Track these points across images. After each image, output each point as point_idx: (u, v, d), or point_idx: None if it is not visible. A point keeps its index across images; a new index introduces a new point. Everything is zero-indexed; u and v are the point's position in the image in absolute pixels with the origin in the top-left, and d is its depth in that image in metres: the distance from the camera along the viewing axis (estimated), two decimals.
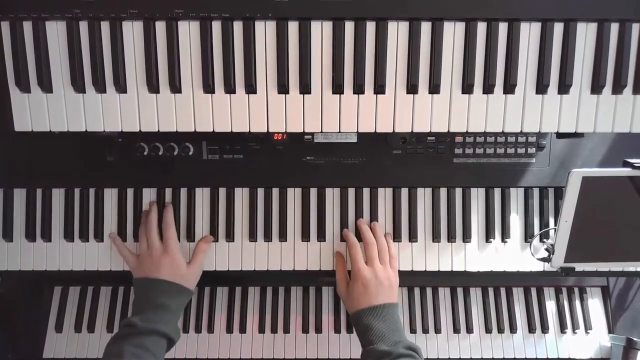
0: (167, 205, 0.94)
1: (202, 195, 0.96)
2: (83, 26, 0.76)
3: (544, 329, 1.02)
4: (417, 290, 1.04)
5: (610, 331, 1.03)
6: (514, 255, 0.96)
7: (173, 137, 0.94)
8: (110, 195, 0.96)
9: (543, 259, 0.92)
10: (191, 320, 1.01)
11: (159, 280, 0.86)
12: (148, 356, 0.78)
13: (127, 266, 0.93)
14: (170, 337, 0.82)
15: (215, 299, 1.03)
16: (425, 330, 1.02)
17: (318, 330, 1.02)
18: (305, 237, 0.95)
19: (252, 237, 0.95)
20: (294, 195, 0.96)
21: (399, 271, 0.93)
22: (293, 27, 0.76)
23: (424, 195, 0.96)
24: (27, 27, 0.76)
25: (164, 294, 0.85)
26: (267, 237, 0.95)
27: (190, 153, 0.95)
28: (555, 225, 0.89)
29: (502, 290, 1.05)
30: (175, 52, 0.76)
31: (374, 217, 0.96)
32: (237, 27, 0.76)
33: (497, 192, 0.97)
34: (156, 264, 0.87)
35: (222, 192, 0.96)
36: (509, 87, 0.77)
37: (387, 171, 0.96)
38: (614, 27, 0.76)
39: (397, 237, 0.95)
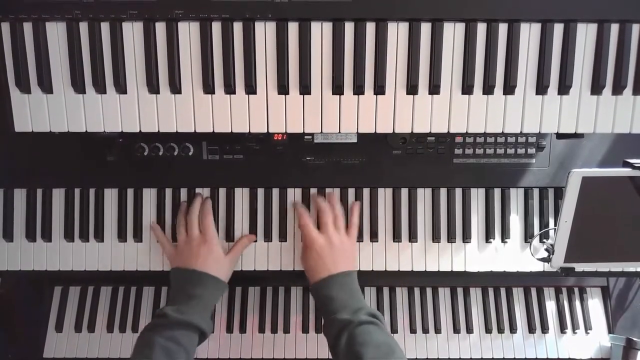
0: (207, 198, 0.95)
1: (202, 195, 0.96)
2: (83, 27, 0.76)
3: (544, 329, 1.02)
4: (417, 290, 1.04)
5: (610, 331, 1.03)
6: (514, 255, 0.96)
7: (173, 138, 0.94)
8: (111, 196, 0.96)
9: (543, 259, 0.92)
10: None
11: (194, 271, 0.85)
12: (179, 350, 0.77)
13: (165, 256, 0.93)
14: (203, 330, 0.81)
15: None
16: (425, 331, 1.02)
17: (318, 330, 1.02)
18: None
19: None
20: (294, 195, 0.96)
21: (401, 271, 0.93)
22: (293, 27, 0.76)
23: (424, 196, 0.96)
24: (27, 27, 0.76)
25: (199, 285, 0.84)
26: (267, 237, 0.95)
27: (190, 153, 0.95)
28: (555, 225, 0.89)
29: (502, 291, 1.05)
30: (175, 52, 0.76)
31: (374, 217, 0.96)
32: (237, 27, 0.76)
33: (497, 192, 0.97)
34: (194, 254, 0.87)
35: (222, 192, 0.96)
36: (509, 88, 0.77)
37: (387, 171, 0.96)
38: (614, 28, 0.76)
39: (397, 237, 0.95)
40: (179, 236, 0.91)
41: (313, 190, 0.96)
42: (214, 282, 0.86)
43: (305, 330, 1.01)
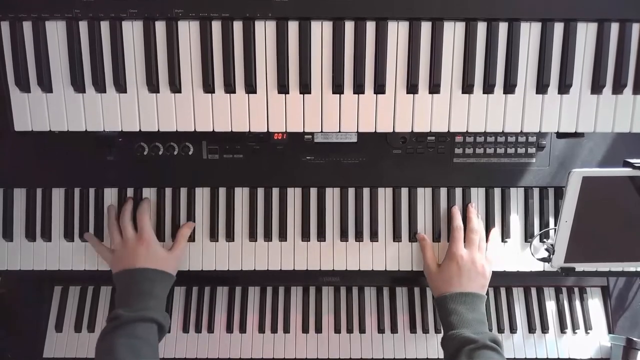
0: (144, 199, 0.94)
1: (202, 195, 0.96)
2: (83, 26, 0.76)
3: (544, 329, 1.02)
4: (417, 291, 1.04)
5: (610, 331, 1.03)
6: (514, 255, 0.96)
7: (173, 137, 0.94)
8: (110, 195, 0.96)
9: (543, 259, 0.92)
10: (191, 320, 1.01)
11: (138, 269, 0.85)
12: (141, 344, 0.76)
13: (105, 263, 0.92)
14: (159, 322, 0.81)
15: (215, 299, 1.03)
16: (425, 331, 1.02)
17: (318, 330, 1.01)
18: (305, 237, 0.95)
19: (252, 237, 0.95)
20: (294, 195, 0.96)
21: (401, 271, 0.93)
22: (293, 27, 0.76)
23: (424, 195, 0.96)
24: (27, 27, 0.76)
25: (145, 281, 0.84)
26: (267, 237, 0.95)
27: (190, 153, 0.95)
28: (555, 225, 0.89)
29: (502, 290, 1.04)
30: (175, 52, 0.76)
31: (374, 217, 0.96)
32: (237, 26, 0.76)
33: (497, 192, 0.97)
34: (133, 254, 0.87)
35: (222, 192, 0.96)
36: (509, 87, 0.77)
37: (387, 171, 0.96)
38: (614, 27, 0.76)
39: (397, 237, 0.95)
40: (113, 240, 0.90)
41: (312, 191, 0.96)
42: (159, 275, 0.86)
43: (305, 330, 1.01)
